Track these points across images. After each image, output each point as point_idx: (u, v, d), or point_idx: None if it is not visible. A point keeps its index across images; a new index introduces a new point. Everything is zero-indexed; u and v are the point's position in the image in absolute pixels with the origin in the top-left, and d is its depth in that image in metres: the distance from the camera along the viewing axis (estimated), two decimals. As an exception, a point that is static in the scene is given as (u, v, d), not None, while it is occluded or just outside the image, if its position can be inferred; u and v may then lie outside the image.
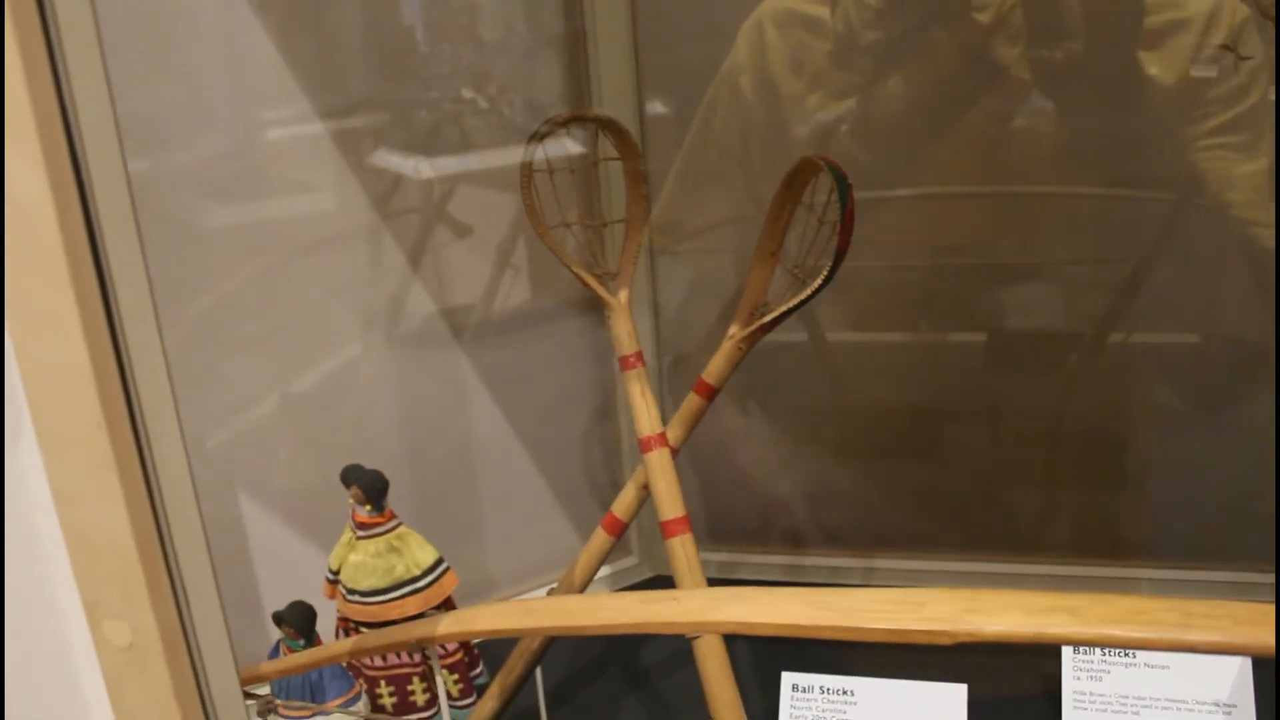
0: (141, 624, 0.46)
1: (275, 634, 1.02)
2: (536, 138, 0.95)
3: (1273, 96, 1.15)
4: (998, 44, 1.17)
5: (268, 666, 0.90)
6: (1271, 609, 0.59)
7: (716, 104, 1.27)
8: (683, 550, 0.92)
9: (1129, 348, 1.29)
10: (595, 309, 1.33)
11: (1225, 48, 0.88)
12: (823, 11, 1.21)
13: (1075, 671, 1.07)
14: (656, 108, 1.28)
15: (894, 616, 0.63)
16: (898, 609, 0.63)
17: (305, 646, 0.98)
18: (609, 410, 1.38)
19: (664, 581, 1.41)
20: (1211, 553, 1.30)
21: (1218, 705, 1.03)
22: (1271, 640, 0.58)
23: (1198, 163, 1.18)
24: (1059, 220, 1.27)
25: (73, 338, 0.43)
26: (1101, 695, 1.05)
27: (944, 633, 0.62)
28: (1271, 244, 1.19)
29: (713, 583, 1.00)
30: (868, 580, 1.37)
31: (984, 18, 1.16)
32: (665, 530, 0.94)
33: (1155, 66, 1.16)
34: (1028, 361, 1.32)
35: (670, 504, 0.94)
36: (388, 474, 1.04)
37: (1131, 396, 1.31)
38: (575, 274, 0.95)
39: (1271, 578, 1.28)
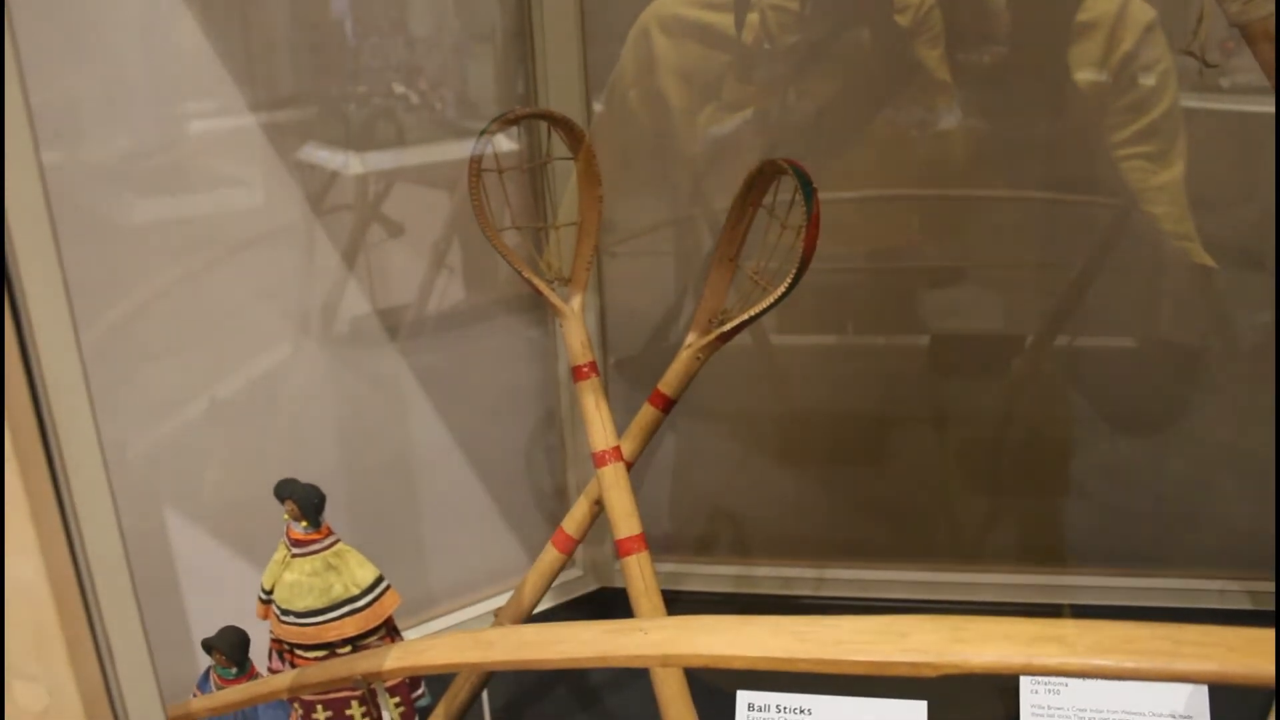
0: (59, 685, 0.40)
1: (204, 660, 0.96)
2: (487, 134, 0.90)
3: (1182, 103, 1.16)
4: (918, 46, 1.15)
5: (198, 704, 0.84)
6: (1266, 634, 0.56)
7: (610, 114, 1.23)
8: (639, 569, 0.88)
9: (1073, 352, 1.29)
10: (532, 307, 1.29)
11: (1188, 53, 0.86)
12: (716, 18, 1.18)
13: (1033, 685, 1.05)
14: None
15: (876, 648, 0.59)
16: (880, 639, 0.60)
17: (238, 674, 0.92)
18: (551, 415, 1.34)
19: (610, 594, 1.37)
20: (1155, 558, 1.31)
21: (1174, 716, 1.02)
22: (1269, 668, 0.56)
23: (1120, 172, 1.18)
24: (992, 224, 1.26)
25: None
26: (1060, 709, 1.04)
27: (929, 664, 0.58)
28: (1199, 259, 1.19)
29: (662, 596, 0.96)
30: (818, 590, 1.35)
31: (903, 20, 1.14)
32: (620, 548, 0.90)
33: (1069, 70, 1.16)
34: (970, 366, 1.31)
35: (626, 521, 0.90)
36: (322, 485, 0.98)
37: (1074, 401, 1.31)
38: (527, 280, 0.91)
39: (1217, 584, 1.29)
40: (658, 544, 1.36)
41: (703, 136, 1.24)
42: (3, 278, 0.37)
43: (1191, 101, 1.17)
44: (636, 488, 0.94)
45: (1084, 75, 1.16)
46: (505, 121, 0.93)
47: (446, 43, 1.22)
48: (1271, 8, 0.73)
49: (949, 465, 1.35)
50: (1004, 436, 1.33)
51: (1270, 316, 1.20)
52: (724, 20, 1.19)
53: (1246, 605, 1.27)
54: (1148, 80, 1.15)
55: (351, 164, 1.16)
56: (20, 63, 0.39)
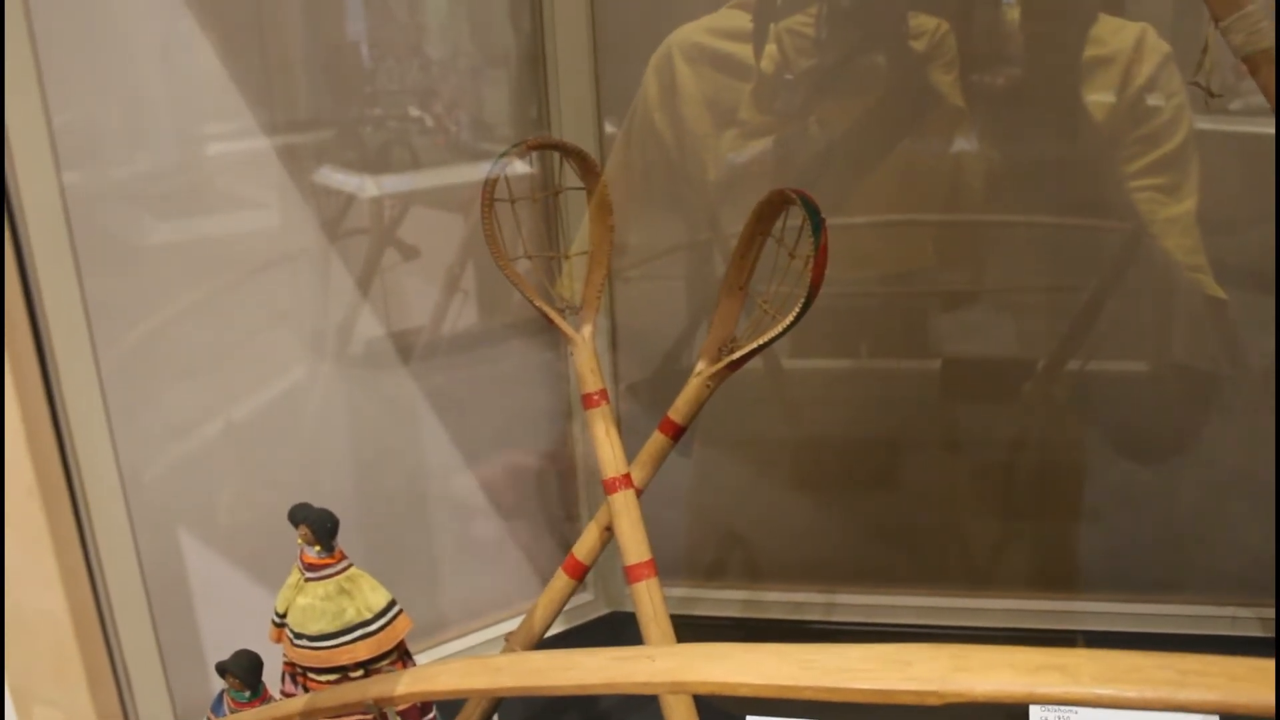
0: (77, 709, 0.41)
1: (218, 683, 0.96)
2: (499, 164, 0.92)
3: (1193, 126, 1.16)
4: (933, 71, 1.16)
5: (210, 727, 0.85)
6: (1271, 664, 0.57)
7: (631, 138, 1.25)
8: (649, 596, 0.89)
9: (1084, 376, 1.29)
10: (545, 331, 1.30)
11: (1196, 84, 0.87)
12: (735, 47, 1.20)
13: (1043, 714, 1.05)
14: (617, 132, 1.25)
15: (880, 676, 0.60)
16: (884, 668, 0.60)
17: (251, 698, 0.92)
18: (563, 438, 1.35)
19: (622, 618, 1.38)
20: (1167, 585, 1.30)
21: (1186, 746, 1.02)
22: (1270, 699, 0.56)
23: (1133, 204, 1.18)
24: (1005, 248, 1.27)
25: None
26: (1070, 734, 1.04)
27: (933, 693, 0.59)
28: (1211, 290, 1.20)
29: (672, 621, 0.97)
30: (828, 615, 1.35)
31: (918, 45, 1.15)
32: (630, 575, 0.91)
33: (1084, 101, 1.16)
34: (982, 390, 1.31)
35: (636, 548, 0.90)
36: (335, 509, 0.99)
37: (1085, 426, 1.30)
38: (538, 308, 0.92)
39: (1228, 611, 1.28)
40: (666, 568, 1.37)
41: (720, 163, 1.25)
42: (32, 319, 0.38)
43: (1202, 124, 1.17)
44: (644, 511, 0.95)
45: (1099, 108, 1.16)
46: (517, 152, 0.94)
47: (462, 67, 1.23)
48: (1272, 40, 0.73)
49: (960, 490, 1.35)
50: (1015, 461, 1.33)
51: (1280, 341, 1.19)
52: (743, 50, 1.20)
53: (1258, 632, 1.26)
54: (1163, 113, 1.16)
55: (367, 187, 1.18)
56: (44, 89, 0.40)
